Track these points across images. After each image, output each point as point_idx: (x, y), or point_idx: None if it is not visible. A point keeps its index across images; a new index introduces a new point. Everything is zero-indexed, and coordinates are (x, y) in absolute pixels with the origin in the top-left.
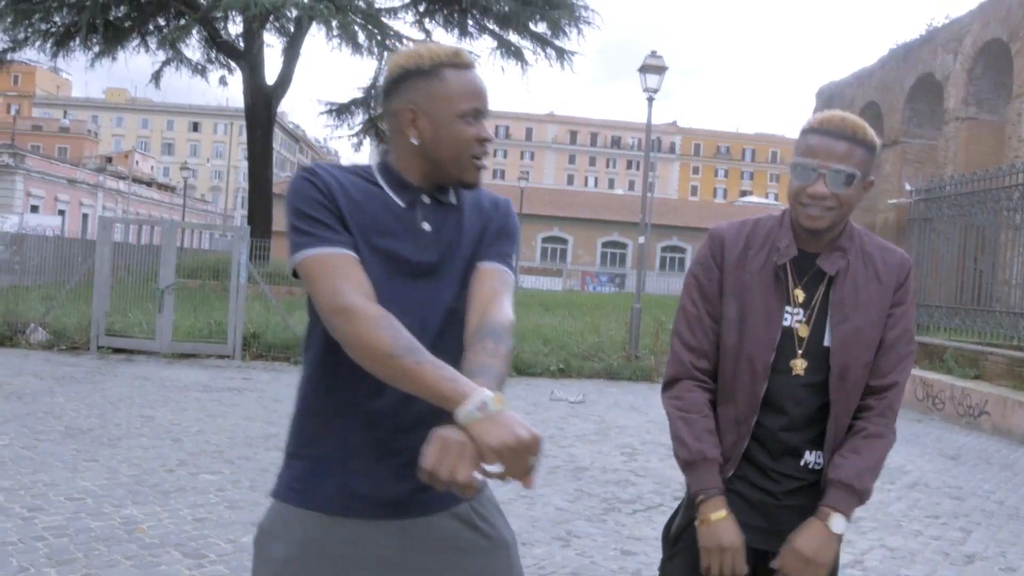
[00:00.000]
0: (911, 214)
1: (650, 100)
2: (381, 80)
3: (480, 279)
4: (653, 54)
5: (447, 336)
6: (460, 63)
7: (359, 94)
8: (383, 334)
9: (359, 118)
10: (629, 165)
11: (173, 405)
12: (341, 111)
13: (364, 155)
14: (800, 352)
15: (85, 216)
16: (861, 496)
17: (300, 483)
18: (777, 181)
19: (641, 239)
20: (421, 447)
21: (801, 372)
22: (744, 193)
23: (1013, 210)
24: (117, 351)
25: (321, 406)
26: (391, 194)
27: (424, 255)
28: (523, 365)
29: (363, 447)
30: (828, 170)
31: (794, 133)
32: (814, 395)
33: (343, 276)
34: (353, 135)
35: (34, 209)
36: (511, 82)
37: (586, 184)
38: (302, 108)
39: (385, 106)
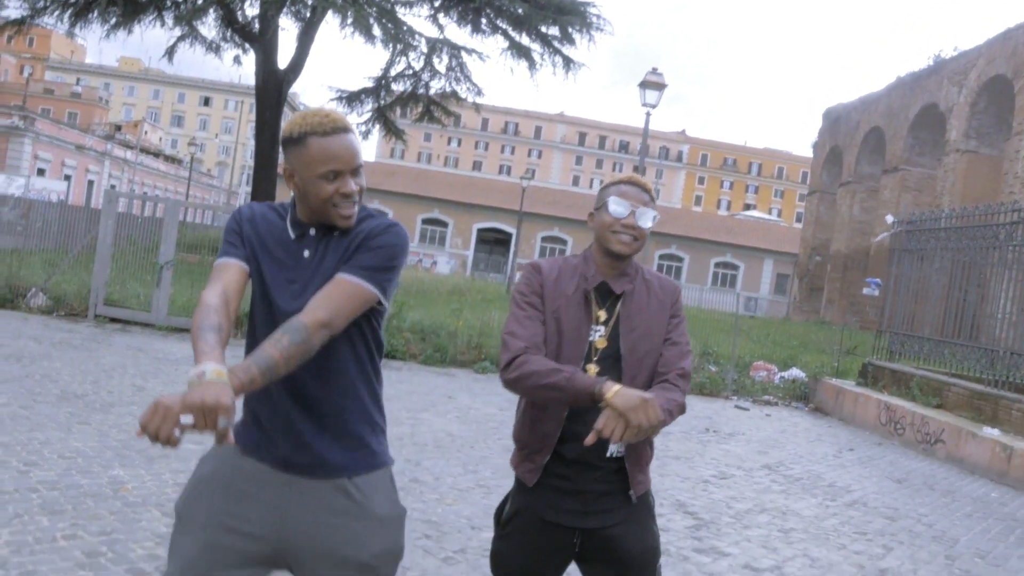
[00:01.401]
0: (892, 244)
1: (648, 115)
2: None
3: (326, 286)
4: (654, 71)
5: None
6: (325, 131)
7: (370, 83)
8: (199, 315)
9: (368, 106)
10: (635, 170)
11: (164, 377)
12: (351, 99)
13: (372, 143)
14: (595, 359)
15: (91, 183)
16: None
17: (239, 427)
18: (781, 197)
19: None
20: (316, 427)
21: (594, 376)
22: (748, 207)
23: (992, 247)
24: (114, 320)
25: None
26: (288, 228)
27: (299, 273)
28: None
29: (274, 419)
30: (639, 208)
31: (801, 151)
32: None
33: (217, 276)
34: (362, 123)
35: (40, 172)
36: (523, 79)
37: (591, 186)
38: (313, 91)
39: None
